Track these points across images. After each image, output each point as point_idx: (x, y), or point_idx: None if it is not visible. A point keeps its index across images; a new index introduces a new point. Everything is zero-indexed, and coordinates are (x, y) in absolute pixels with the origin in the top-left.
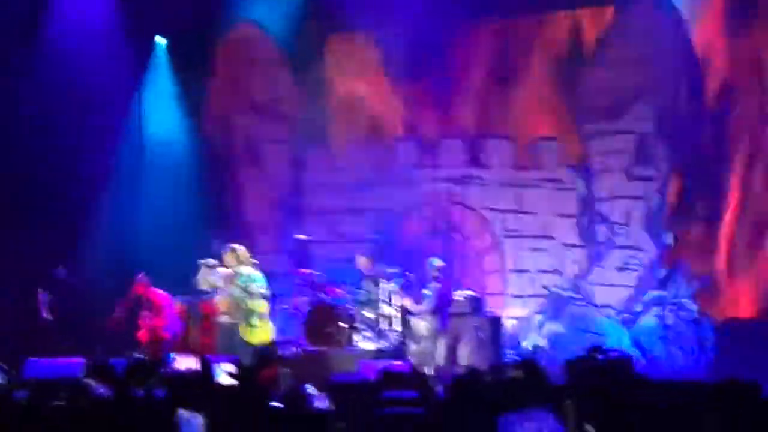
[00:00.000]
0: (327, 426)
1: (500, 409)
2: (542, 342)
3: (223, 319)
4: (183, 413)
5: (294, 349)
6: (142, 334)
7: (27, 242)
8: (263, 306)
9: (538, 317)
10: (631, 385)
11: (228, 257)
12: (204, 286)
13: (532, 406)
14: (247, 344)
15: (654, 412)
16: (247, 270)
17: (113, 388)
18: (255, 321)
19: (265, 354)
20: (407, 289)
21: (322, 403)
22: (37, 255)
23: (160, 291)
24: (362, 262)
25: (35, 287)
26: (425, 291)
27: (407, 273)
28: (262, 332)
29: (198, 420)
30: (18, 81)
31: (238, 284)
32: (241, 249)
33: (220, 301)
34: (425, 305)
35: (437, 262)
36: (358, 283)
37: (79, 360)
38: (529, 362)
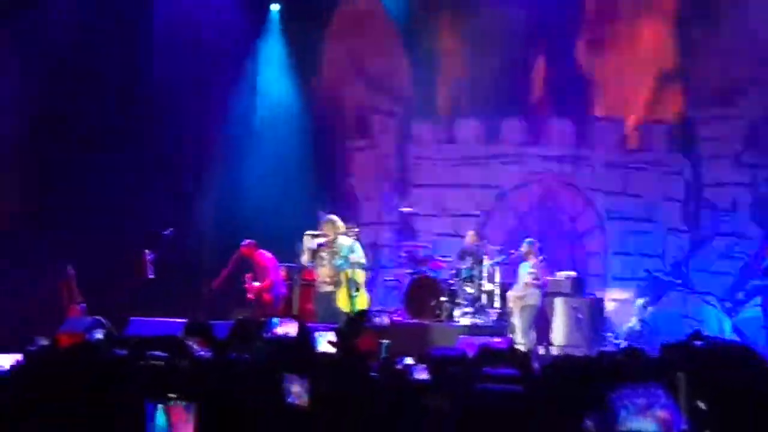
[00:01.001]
0: (425, 398)
1: (604, 385)
2: (641, 326)
3: (324, 287)
4: (289, 377)
5: (384, 319)
6: (251, 299)
7: (137, 203)
8: (361, 275)
9: (639, 301)
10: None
11: (326, 227)
12: (307, 256)
13: (642, 381)
14: (344, 313)
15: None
16: (346, 241)
17: (213, 349)
18: (353, 290)
19: (356, 323)
20: (510, 266)
21: (421, 374)
22: (147, 215)
23: (267, 254)
24: (470, 236)
25: (143, 247)
26: (527, 269)
27: (510, 251)
28: (359, 302)
29: (305, 384)
30: (135, 46)
31: (340, 254)
32: (338, 220)
33: (322, 270)
34: (528, 282)
35: (531, 243)
36: (460, 257)
37: (182, 320)
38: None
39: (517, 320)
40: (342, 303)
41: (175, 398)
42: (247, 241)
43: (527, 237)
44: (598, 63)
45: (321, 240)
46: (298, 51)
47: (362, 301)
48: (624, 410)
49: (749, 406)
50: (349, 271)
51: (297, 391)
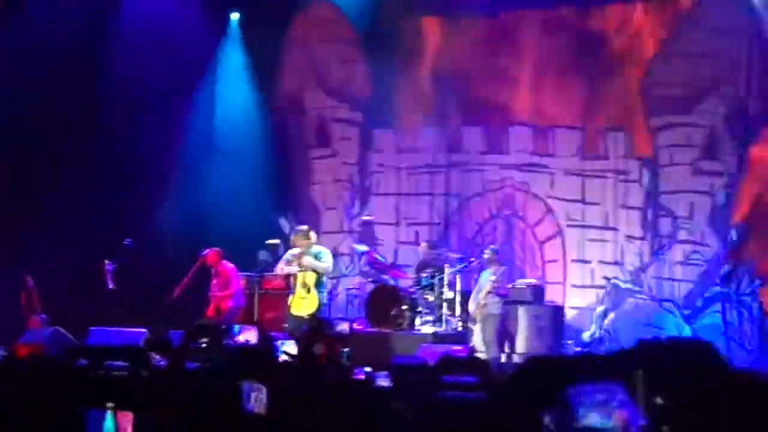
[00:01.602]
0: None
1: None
2: (601, 333)
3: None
4: (247, 384)
5: (344, 327)
6: (210, 308)
7: (96, 212)
8: (311, 277)
9: (599, 308)
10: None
11: (298, 239)
12: (285, 270)
13: (600, 378)
14: (294, 317)
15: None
16: (315, 248)
17: (170, 358)
18: (302, 292)
19: (315, 330)
20: (471, 274)
21: (383, 381)
22: (106, 225)
23: (229, 263)
24: (423, 247)
25: (102, 257)
26: (488, 277)
27: (470, 259)
28: (306, 304)
29: (262, 391)
30: (95, 55)
31: (308, 256)
32: (306, 229)
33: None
34: (489, 290)
35: (494, 251)
36: (420, 267)
37: (142, 331)
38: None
39: (478, 329)
40: (291, 304)
41: (113, 407)
42: (212, 249)
43: (488, 245)
44: (556, 70)
45: (290, 252)
46: (257, 59)
47: (310, 304)
48: (582, 406)
49: (706, 401)
50: (300, 274)
51: (255, 398)
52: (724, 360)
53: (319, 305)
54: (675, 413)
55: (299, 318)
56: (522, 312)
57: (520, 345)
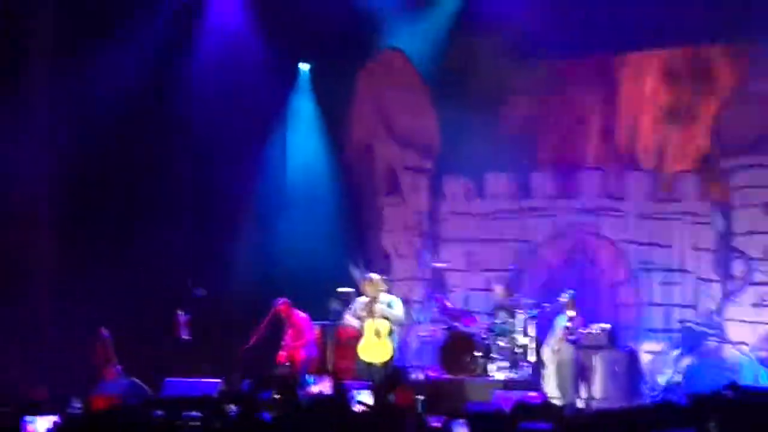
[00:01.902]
0: None
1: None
2: (677, 377)
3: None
4: None
5: (419, 375)
6: (281, 355)
7: (169, 261)
8: (384, 325)
9: (674, 352)
10: None
11: (367, 287)
12: (352, 321)
13: (673, 428)
14: (368, 364)
15: None
16: (385, 297)
17: (244, 409)
18: (374, 339)
19: (391, 378)
20: (542, 320)
21: (461, 429)
22: (179, 275)
23: (301, 313)
24: (499, 291)
25: (175, 307)
26: (563, 322)
27: (543, 304)
28: (379, 351)
29: None
30: (169, 104)
31: (380, 306)
32: (377, 278)
33: (357, 326)
34: (562, 336)
35: (571, 296)
36: (493, 312)
37: (216, 381)
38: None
39: (552, 374)
40: (361, 351)
41: None
42: (282, 299)
43: (562, 289)
44: (626, 114)
45: (359, 300)
46: (328, 108)
47: (383, 352)
48: None
49: None
50: (372, 321)
51: None
52: None
53: (393, 353)
54: None
55: (370, 364)
56: (597, 357)
57: (597, 390)
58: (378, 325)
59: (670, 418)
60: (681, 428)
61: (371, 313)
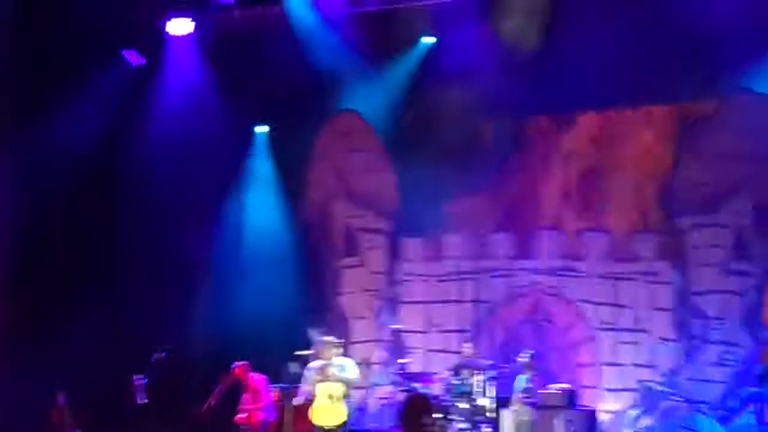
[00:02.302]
0: None
1: None
2: None
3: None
4: None
5: None
6: (240, 418)
7: (125, 326)
8: (338, 389)
9: (633, 412)
10: None
11: (325, 351)
12: (309, 387)
13: None
14: (319, 428)
15: None
16: (340, 360)
17: None
18: (327, 403)
19: None
20: (501, 380)
21: None
22: (135, 339)
23: (259, 376)
24: (468, 349)
25: (132, 372)
26: (520, 383)
27: (503, 365)
28: (332, 415)
29: None
30: (123, 162)
31: (333, 370)
32: (333, 340)
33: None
34: (522, 398)
35: (531, 356)
36: (456, 372)
37: None
38: None
39: None
40: (313, 415)
41: None
42: (240, 363)
43: (520, 350)
44: (581, 174)
45: (313, 364)
46: (285, 170)
47: (336, 415)
48: None
49: None
50: (326, 385)
51: None
52: None
53: (347, 417)
54: None
55: (324, 429)
56: (555, 417)
57: None
58: (332, 388)
59: None
60: None
61: (325, 377)
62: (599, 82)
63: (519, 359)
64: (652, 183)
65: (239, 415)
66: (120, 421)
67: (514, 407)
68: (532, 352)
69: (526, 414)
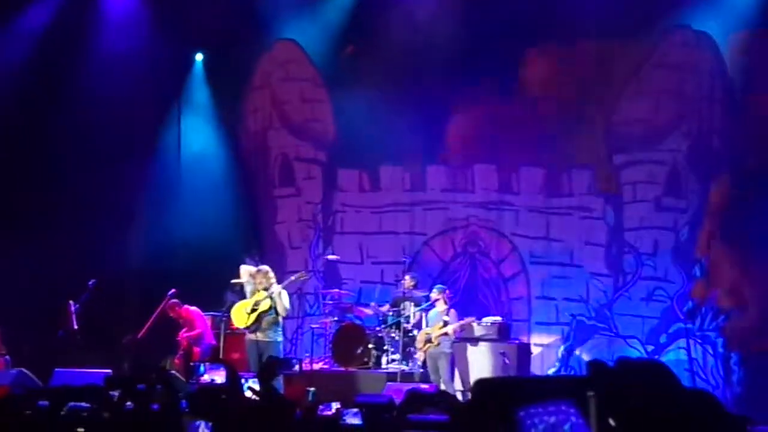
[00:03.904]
0: None
1: (515, 405)
2: (566, 371)
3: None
4: (195, 423)
5: (295, 367)
6: (179, 346)
7: (59, 253)
8: (266, 305)
9: (563, 346)
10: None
11: (259, 278)
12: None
13: (553, 399)
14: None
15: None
16: (276, 288)
17: (133, 400)
18: (249, 307)
19: (269, 366)
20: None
21: (354, 419)
22: (69, 266)
23: (191, 307)
24: (408, 282)
25: (66, 298)
26: (438, 316)
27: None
28: (243, 318)
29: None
30: (60, 91)
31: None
32: (269, 270)
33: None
34: (444, 331)
35: (441, 290)
36: (394, 303)
37: (105, 372)
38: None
39: (430, 367)
40: (236, 312)
41: None
42: (169, 303)
43: (454, 283)
44: (519, 109)
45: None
46: (222, 98)
47: (246, 321)
48: (534, 429)
49: (658, 423)
50: (261, 295)
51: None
52: (678, 381)
53: (251, 326)
54: None
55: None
56: (487, 349)
57: None
58: (262, 303)
59: (547, 390)
60: (561, 398)
61: (266, 289)
62: (540, 18)
63: (431, 294)
64: (588, 119)
65: (179, 344)
66: (53, 348)
67: (434, 340)
68: (441, 286)
69: (445, 346)
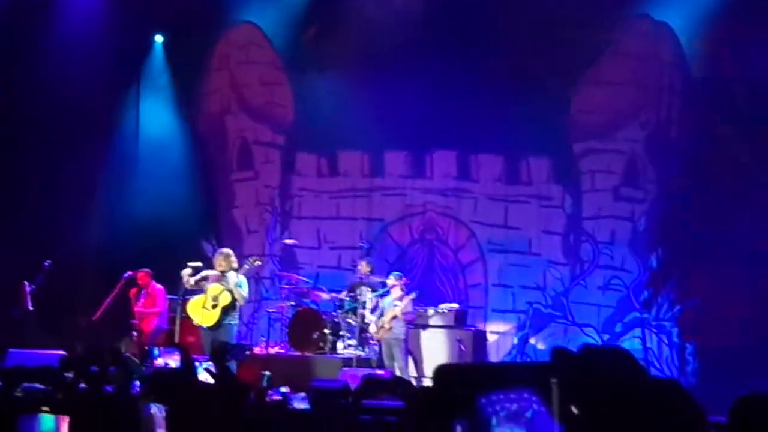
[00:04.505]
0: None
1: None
2: (522, 358)
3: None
4: (149, 406)
5: (246, 352)
6: (135, 322)
7: (14, 234)
8: (226, 298)
9: (520, 333)
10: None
11: (220, 261)
12: (189, 285)
13: (515, 386)
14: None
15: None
16: (233, 276)
17: (87, 381)
18: (209, 304)
19: (219, 352)
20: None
21: (301, 404)
22: (24, 247)
23: (159, 285)
24: (364, 267)
25: (21, 279)
26: (392, 302)
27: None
28: (207, 317)
29: (162, 412)
30: (18, 73)
31: (230, 279)
32: (231, 253)
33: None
34: (395, 316)
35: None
36: (351, 289)
37: (60, 353)
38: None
39: (384, 353)
40: (192, 309)
41: (48, 411)
42: (144, 270)
43: (410, 269)
44: (479, 95)
45: (208, 272)
46: (181, 80)
47: (210, 319)
48: (495, 416)
49: (622, 410)
50: (216, 288)
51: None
52: (643, 368)
53: (217, 324)
54: (590, 423)
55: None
56: (443, 335)
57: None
58: (221, 296)
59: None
60: (523, 385)
61: (221, 282)
62: (500, 4)
63: (389, 279)
64: (548, 107)
65: (134, 320)
66: (7, 329)
67: (386, 325)
68: (398, 273)
69: (399, 332)
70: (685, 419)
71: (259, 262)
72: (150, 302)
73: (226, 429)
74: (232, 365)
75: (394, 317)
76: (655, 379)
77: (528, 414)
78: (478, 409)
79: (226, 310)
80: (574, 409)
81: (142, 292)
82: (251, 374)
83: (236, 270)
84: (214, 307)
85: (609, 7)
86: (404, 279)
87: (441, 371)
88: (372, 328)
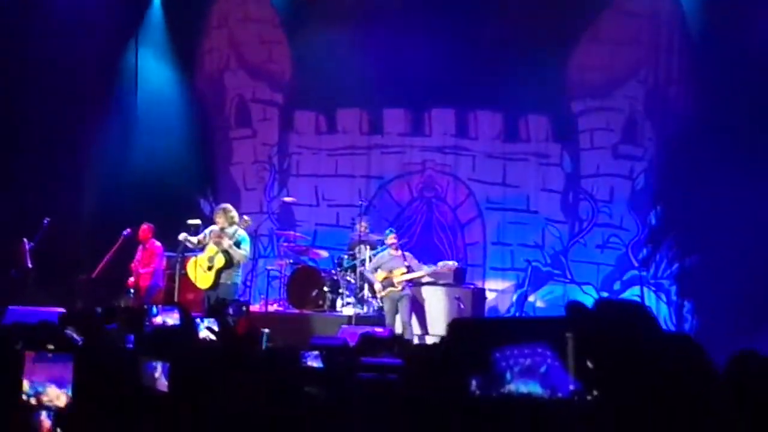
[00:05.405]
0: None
1: (490, 346)
2: (520, 316)
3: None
4: (148, 362)
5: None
6: (130, 281)
7: (13, 192)
8: (220, 260)
9: (519, 291)
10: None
11: (220, 217)
12: (191, 245)
13: (528, 341)
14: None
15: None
16: (239, 233)
17: (86, 336)
18: (204, 265)
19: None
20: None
21: (315, 361)
22: (23, 204)
23: (158, 243)
24: (362, 227)
25: (20, 236)
26: (382, 259)
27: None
28: (203, 279)
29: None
30: (16, 29)
31: (228, 238)
32: (232, 209)
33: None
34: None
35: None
36: (351, 247)
37: (60, 310)
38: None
39: (390, 309)
40: (190, 269)
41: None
42: (147, 224)
43: (409, 227)
44: (478, 53)
45: (209, 229)
46: (179, 38)
47: (206, 281)
48: (509, 371)
49: (638, 364)
50: (212, 250)
51: (157, 376)
52: (658, 323)
53: (213, 285)
54: (606, 377)
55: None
56: (442, 293)
57: (440, 326)
58: (216, 257)
59: (523, 332)
60: (538, 339)
61: (218, 243)
62: None
63: (383, 238)
64: (547, 65)
65: (130, 279)
66: (6, 285)
67: (397, 284)
68: (392, 229)
69: (405, 289)
70: (696, 372)
71: (249, 223)
72: (146, 259)
73: (230, 383)
74: (231, 321)
75: (409, 280)
76: (669, 334)
77: (542, 368)
78: (492, 364)
79: (221, 271)
80: (589, 364)
81: (140, 246)
82: (247, 327)
83: (237, 224)
84: (210, 269)
85: None
86: (394, 234)
87: (456, 325)
88: (377, 287)
